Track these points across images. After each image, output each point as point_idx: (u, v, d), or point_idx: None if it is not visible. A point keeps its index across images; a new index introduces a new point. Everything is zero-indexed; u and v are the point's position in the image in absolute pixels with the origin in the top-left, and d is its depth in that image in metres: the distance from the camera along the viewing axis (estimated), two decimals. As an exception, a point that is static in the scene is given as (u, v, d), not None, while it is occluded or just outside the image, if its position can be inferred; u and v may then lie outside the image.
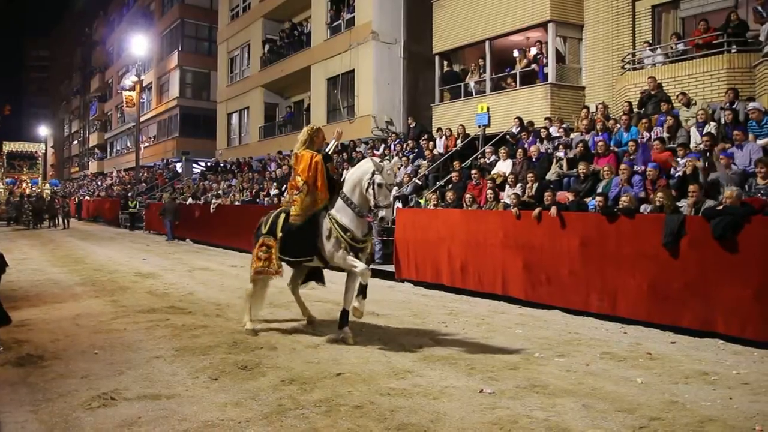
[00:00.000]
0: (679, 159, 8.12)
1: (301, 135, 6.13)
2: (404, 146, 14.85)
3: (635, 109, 10.50)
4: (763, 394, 4.41)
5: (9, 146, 33.59)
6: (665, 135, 9.01)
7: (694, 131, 8.79)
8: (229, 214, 16.96)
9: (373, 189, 5.67)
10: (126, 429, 3.65)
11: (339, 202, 5.85)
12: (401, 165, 12.95)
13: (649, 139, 9.25)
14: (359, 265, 5.70)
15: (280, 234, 6.01)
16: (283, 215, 6.09)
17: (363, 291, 5.78)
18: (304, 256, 6.06)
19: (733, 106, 8.75)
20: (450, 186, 11.13)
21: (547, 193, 8.39)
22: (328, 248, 5.80)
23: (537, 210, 8.12)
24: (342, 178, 6.25)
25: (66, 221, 25.43)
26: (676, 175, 7.85)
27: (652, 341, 6.16)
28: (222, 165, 25.38)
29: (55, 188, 35.03)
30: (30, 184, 31.99)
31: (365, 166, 5.89)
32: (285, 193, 6.51)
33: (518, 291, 8.32)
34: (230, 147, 27.80)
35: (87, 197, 35.16)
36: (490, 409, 4.02)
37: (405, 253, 10.22)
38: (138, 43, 31.10)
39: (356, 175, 5.87)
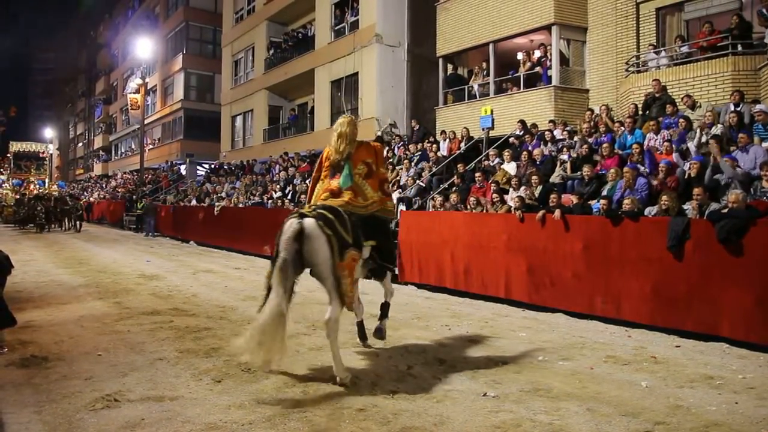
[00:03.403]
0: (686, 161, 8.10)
1: (344, 130, 5.16)
2: (408, 149, 14.86)
3: (640, 112, 10.47)
4: (769, 398, 4.39)
5: (15, 146, 33.67)
6: (678, 138, 8.94)
7: (698, 134, 8.76)
8: (233, 217, 17.00)
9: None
10: (129, 431, 3.65)
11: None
12: None
13: (654, 141, 9.23)
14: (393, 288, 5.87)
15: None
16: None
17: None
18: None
19: (738, 109, 8.72)
20: (454, 189, 11.12)
21: (552, 196, 8.39)
22: None
23: (540, 213, 8.11)
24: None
25: (78, 224, 24.88)
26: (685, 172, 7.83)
27: (656, 345, 6.13)
28: (226, 167, 25.44)
29: (62, 189, 35.02)
30: (37, 186, 31.97)
31: None
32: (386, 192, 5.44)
33: (522, 294, 8.30)
34: (234, 149, 27.85)
35: (91, 199, 35.26)
36: (493, 413, 4.01)
37: (408, 255, 10.21)
38: (143, 46, 31.24)
39: None
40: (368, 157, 5.21)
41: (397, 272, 5.79)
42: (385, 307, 5.67)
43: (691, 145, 8.56)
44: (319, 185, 5.31)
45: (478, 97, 15.12)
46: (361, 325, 5.69)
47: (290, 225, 4.59)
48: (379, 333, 5.57)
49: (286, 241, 4.55)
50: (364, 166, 5.15)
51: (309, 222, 4.57)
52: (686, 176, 7.76)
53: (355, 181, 5.10)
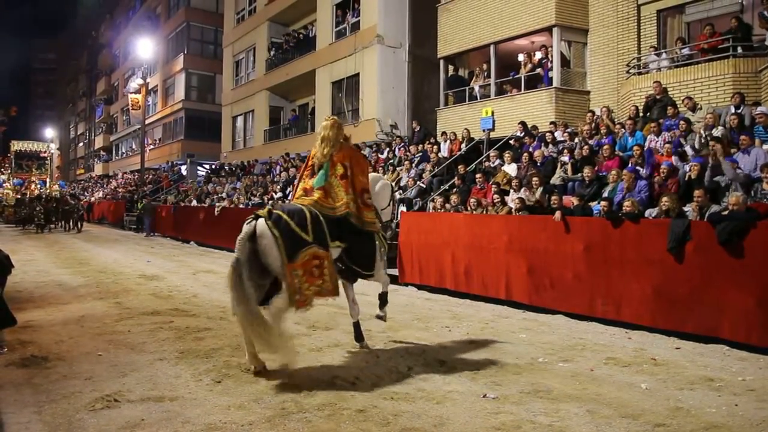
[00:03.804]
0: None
1: (327, 133, 5.23)
2: (408, 150, 14.87)
3: (640, 114, 10.48)
4: (769, 400, 4.38)
5: (17, 145, 33.30)
6: (681, 140, 8.95)
7: (698, 136, 8.76)
8: (234, 217, 16.98)
9: (394, 205, 5.98)
10: (129, 431, 3.66)
11: None
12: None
13: (655, 143, 9.23)
14: (388, 281, 5.92)
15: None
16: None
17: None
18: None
19: (739, 111, 8.72)
20: (454, 190, 11.13)
21: (553, 197, 8.38)
22: (377, 261, 5.55)
23: (558, 213, 7.98)
24: None
25: (79, 224, 24.65)
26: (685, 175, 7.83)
27: (656, 347, 6.13)
28: (227, 167, 25.45)
29: (63, 189, 34.88)
30: (38, 186, 31.79)
31: (385, 182, 6.00)
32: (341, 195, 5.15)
33: (522, 296, 8.30)
34: (235, 150, 27.88)
35: (92, 199, 35.24)
36: (493, 414, 4.01)
37: (409, 256, 10.21)
38: (144, 46, 31.25)
39: (379, 189, 5.78)
40: (347, 160, 5.22)
41: (373, 274, 5.60)
42: (382, 296, 5.87)
43: (688, 148, 8.55)
44: (301, 184, 5.37)
45: (479, 98, 15.13)
46: (357, 326, 5.70)
47: (245, 226, 4.74)
48: (380, 318, 5.91)
49: (240, 242, 4.71)
50: (342, 168, 5.17)
51: (260, 222, 4.69)
52: (686, 178, 7.76)
53: (329, 181, 5.14)
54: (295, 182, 5.66)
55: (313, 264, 4.68)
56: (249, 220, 4.78)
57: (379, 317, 5.93)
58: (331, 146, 5.21)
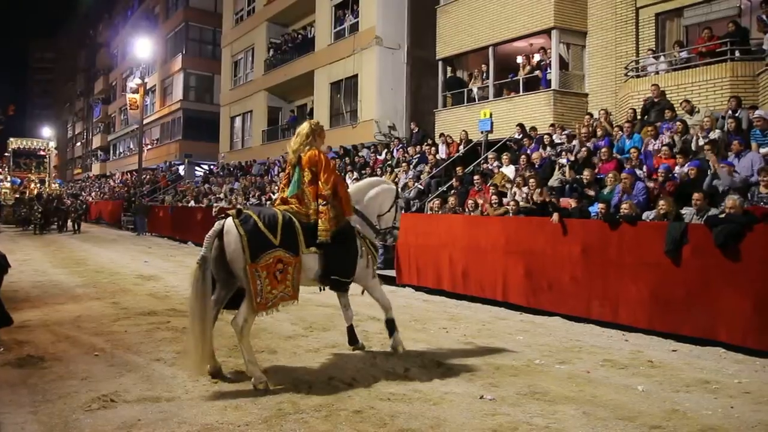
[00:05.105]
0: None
1: (303, 129, 5.28)
2: (407, 151, 14.88)
3: (638, 117, 10.50)
4: (765, 403, 4.40)
5: (15, 143, 32.89)
6: (676, 141, 8.95)
7: (695, 138, 8.78)
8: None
9: (397, 211, 5.86)
10: (125, 431, 3.65)
11: (355, 218, 5.47)
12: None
13: (653, 146, 9.25)
14: (388, 303, 5.65)
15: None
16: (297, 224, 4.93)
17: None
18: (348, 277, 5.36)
19: (736, 115, 8.74)
20: (452, 191, 11.13)
21: (552, 199, 8.38)
22: (360, 269, 5.43)
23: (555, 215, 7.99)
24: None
25: (77, 225, 24.27)
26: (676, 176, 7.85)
27: (653, 349, 6.14)
28: (225, 166, 25.42)
29: (61, 187, 34.57)
30: (37, 185, 31.52)
31: (387, 186, 5.90)
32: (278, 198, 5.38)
33: (519, 297, 8.30)
34: (233, 150, 27.86)
35: (89, 198, 35.15)
36: (490, 416, 4.01)
37: (406, 258, 10.21)
38: (142, 46, 31.20)
39: (375, 194, 5.72)
40: (314, 165, 5.16)
41: (350, 281, 5.44)
42: (389, 324, 5.66)
43: (681, 164, 8.53)
44: (279, 194, 5.37)
45: (477, 100, 15.15)
46: (350, 330, 5.69)
47: (216, 224, 4.76)
48: (395, 349, 5.62)
49: (207, 239, 4.70)
50: (309, 173, 5.15)
51: (228, 220, 4.71)
52: (684, 180, 7.78)
53: (301, 188, 5.14)
54: (278, 189, 5.68)
55: (277, 268, 4.62)
56: (219, 218, 4.81)
57: (393, 348, 5.60)
58: (301, 144, 5.21)
